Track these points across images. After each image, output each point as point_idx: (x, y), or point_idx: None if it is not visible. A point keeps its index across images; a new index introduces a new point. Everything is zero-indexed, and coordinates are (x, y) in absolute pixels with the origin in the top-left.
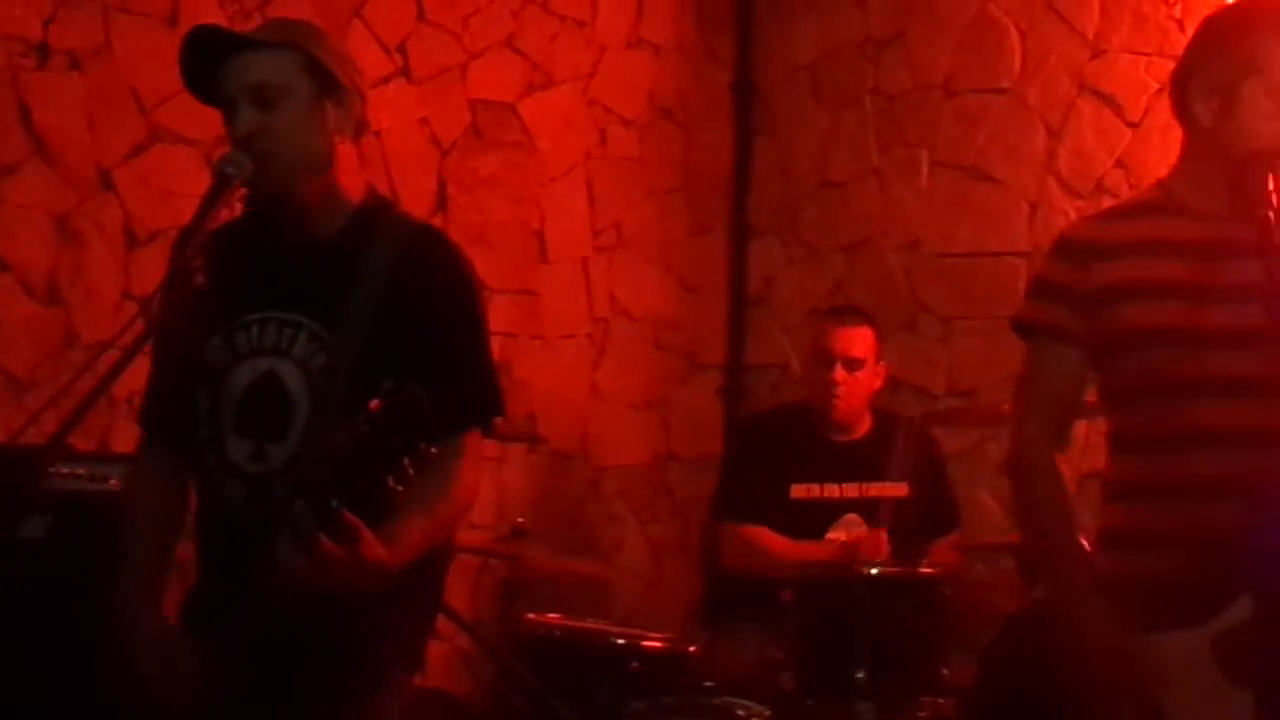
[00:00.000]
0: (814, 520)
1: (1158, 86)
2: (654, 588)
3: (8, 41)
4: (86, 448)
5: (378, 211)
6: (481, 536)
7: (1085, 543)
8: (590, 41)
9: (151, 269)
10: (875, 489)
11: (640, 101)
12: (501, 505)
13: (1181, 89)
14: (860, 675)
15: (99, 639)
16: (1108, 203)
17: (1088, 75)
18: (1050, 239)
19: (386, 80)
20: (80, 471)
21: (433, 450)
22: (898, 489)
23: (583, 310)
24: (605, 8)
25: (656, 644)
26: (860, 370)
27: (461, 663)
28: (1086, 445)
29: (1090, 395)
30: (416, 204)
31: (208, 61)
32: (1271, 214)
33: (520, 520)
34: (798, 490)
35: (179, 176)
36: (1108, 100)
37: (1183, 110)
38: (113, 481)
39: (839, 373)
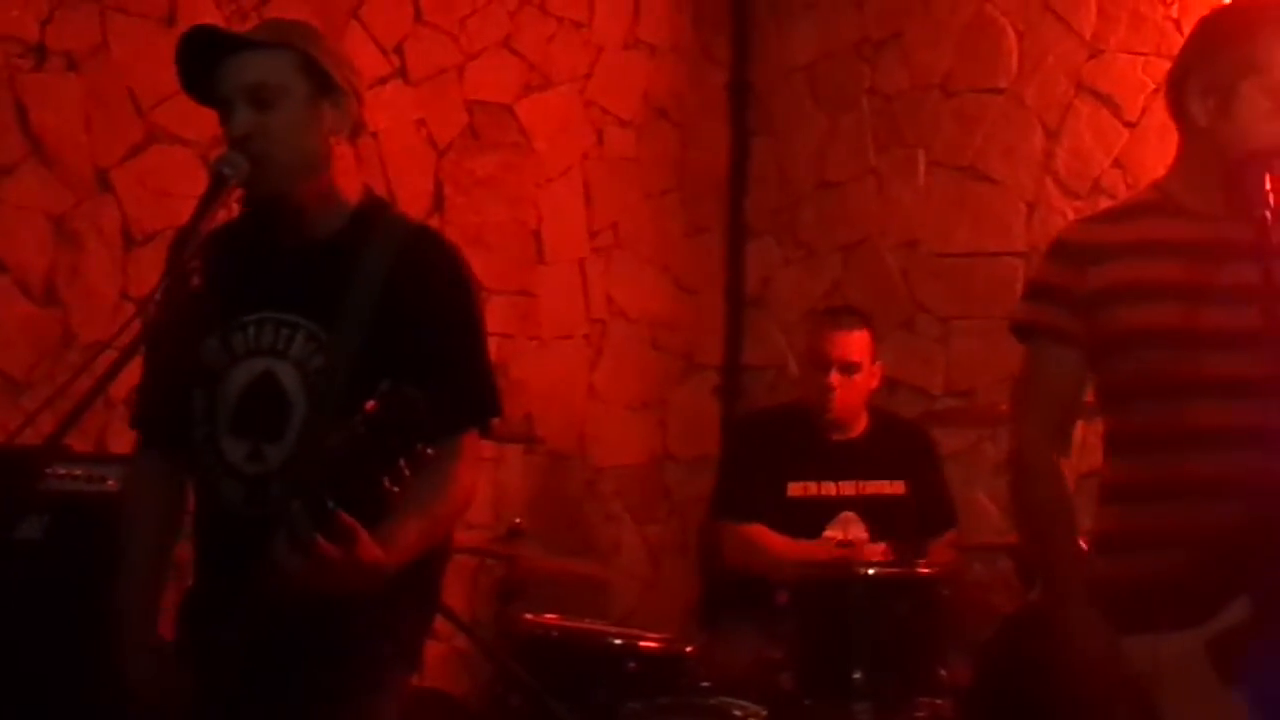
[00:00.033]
0: (811, 518)
1: (1155, 86)
2: (651, 588)
3: (5, 42)
4: (83, 448)
5: (375, 212)
6: (479, 537)
7: (1083, 544)
8: (587, 42)
9: (149, 269)
10: (872, 487)
11: (637, 102)
12: (499, 506)
13: (1178, 89)
14: (858, 675)
15: (96, 640)
16: (1105, 203)
17: (1085, 75)
18: (1048, 239)
19: (383, 81)
20: (77, 472)
21: (429, 451)
22: (894, 487)
23: (580, 311)
24: (602, 9)
25: (654, 644)
26: (856, 374)
27: (459, 663)
28: (1084, 445)
29: (1088, 396)
30: (413, 205)
31: (204, 62)
32: (1269, 214)
33: (517, 520)
34: (795, 489)
35: (176, 177)
36: (1105, 100)
37: (1179, 110)
38: (110, 482)
39: (834, 377)
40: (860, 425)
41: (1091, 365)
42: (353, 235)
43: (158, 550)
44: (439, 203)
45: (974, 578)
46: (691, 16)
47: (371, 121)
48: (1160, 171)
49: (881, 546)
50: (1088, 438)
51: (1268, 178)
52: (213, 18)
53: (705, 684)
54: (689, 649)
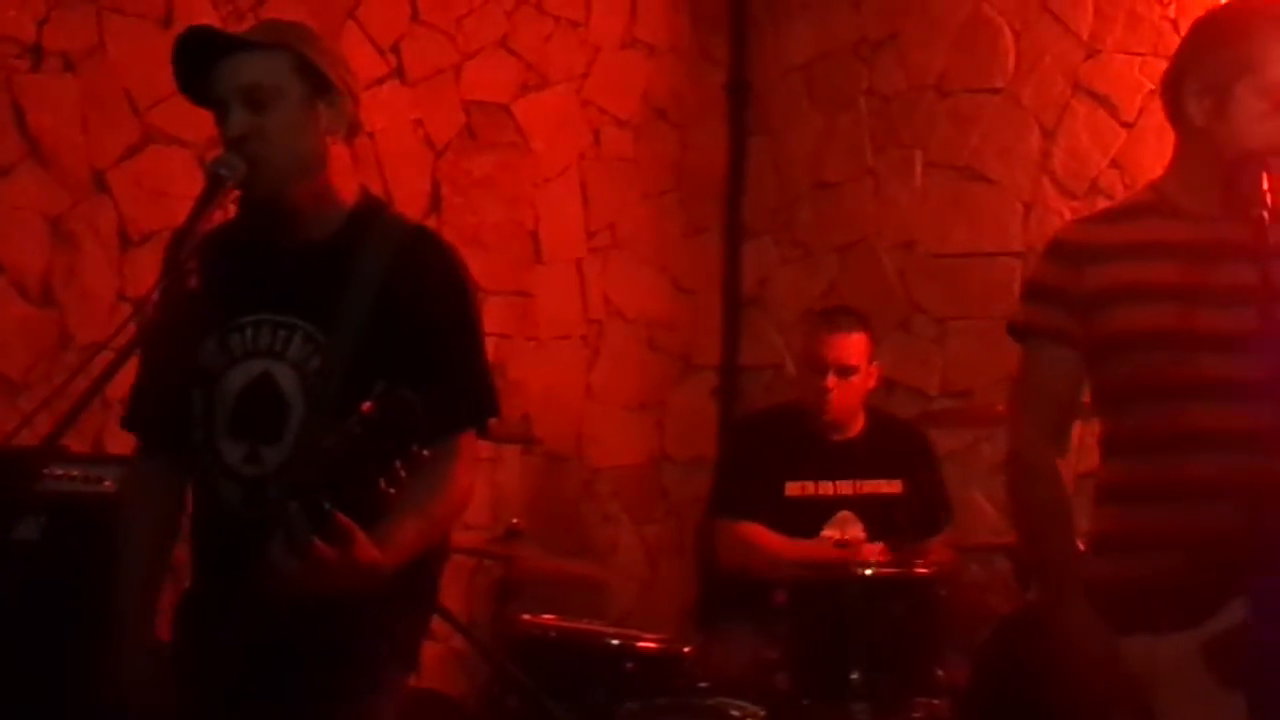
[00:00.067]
0: (808, 518)
1: (1152, 87)
2: (649, 588)
3: (1, 43)
4: (81, 449)
5: (371, 213)
6: (476, 537)
7: (1080, 545)
8: (584, 42)
9: (146, 270)
10: (869, 486)
11: (634, 102)
12: (496, 506)
13: (1174, 89)
14: (855, 676)
15: (93, 641)
16: (1103, 203)
17: (1082, 75)
18: (1045, 239)
19: (380, 81)
20: (74, 473)
21: (425, 453)
22: (892, 486)
23: (577, 311)
24: (599, 8)
25: (651, 645)
26: (853, 376)
27: (456, 663)
28: (1080, 446)
29: (1084, 397)
30: (410, 205)
31: (200, 63)
32: (1266, 214)
33: (515, 521)
34: (792, 488)
35: (173, 178)
36: (1102, 100)
37: (1175, 111)
38: (107, 483)
39: (831, 380)
40: (857, 425)
41: (1088, 366)
42: (349, 236)
43: (155, 551)
44: (436, 203)
45: (971, 578)
46: (689, 16)
47: (368, 122)
48: (1157, 172)
49: (879, 546)
50: (1084, 438)
51: (1265, 178)
52: (209, 18)
53: (703, 684)
54: (686, 649)
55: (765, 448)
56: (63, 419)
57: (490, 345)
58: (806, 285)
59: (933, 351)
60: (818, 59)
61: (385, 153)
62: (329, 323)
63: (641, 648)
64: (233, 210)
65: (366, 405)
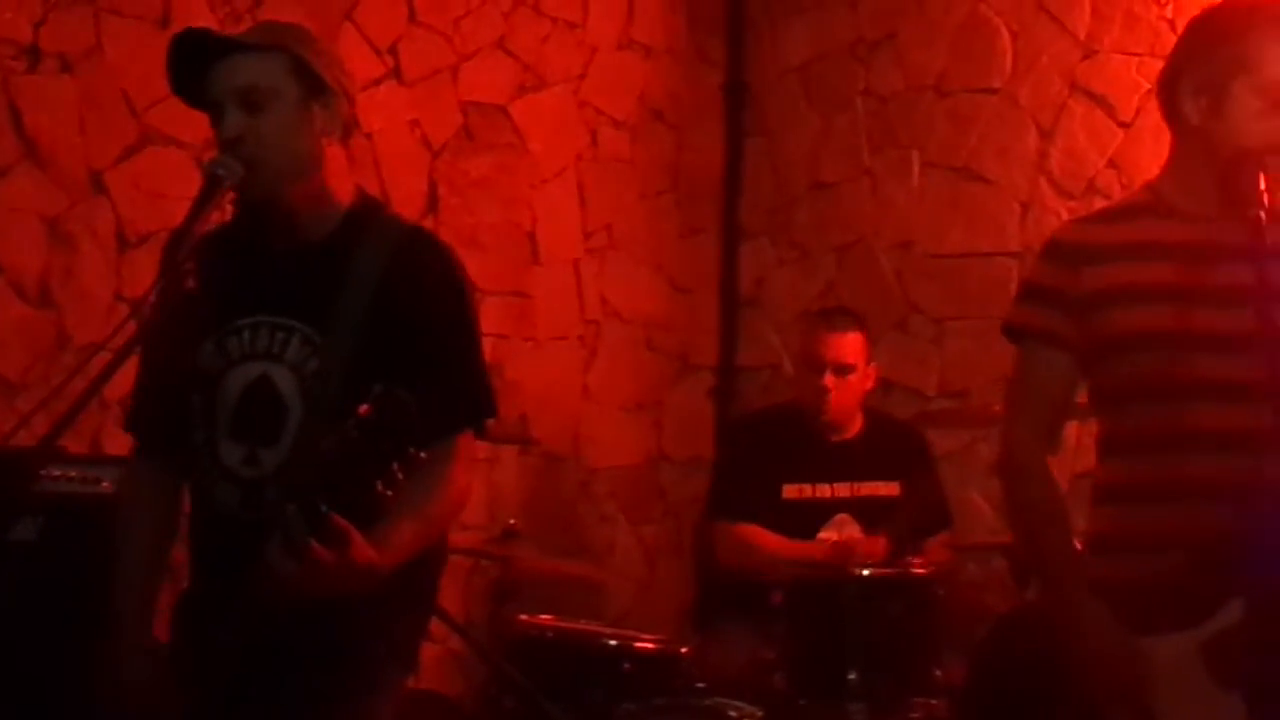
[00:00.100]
0: (806, 520)
1: (1149, 87)
2: (646, 589)
3: None
4: (78, 450)
5: (368, 214)
6: (473, 538)
7: (1077, 545)
8: (581, 43)
9: (143, 271)
10: (867, 489)
11: (631, 103)
12: (493, 507)
13: (1170, 89)
14: (852, 676)
15: (91, 642)
16: (1100, 203)
17: (1079, 76)
18: (1042, 239)
19: (377, 82)
20: (72, 474)
21: (422, 455)
22: (890, 488)
23: (574, 312)
24: (596, 9)
25: (648, 645)
26: (851, 375)
27: (453, 664)
28: (1078, 446)
29: (1081, 397)
30: (407, 206)
31: (195, 65)
32: (1262, 214)
33: (512, 522)
34: (790, 491)
35: (170, 179)
36: (1099, 101)
37: (1171, 110)
38: (104, 484)
39: (829, 379)
40: (855, 427)
41: (1085, 367)
42: (346, 237)
43: (153, 552)
44: (433, 204)
45: (968, 578)
46: (686, 17)
47: (366, 122)
48: (1155, 172)
49: (879, 539)
50: (1081, 439)
51: (1261, 178)
52: (207, 20)
53: (700, 685)
54: (684, 650)
55: (763, 449)
56: (60, 420)
57: (487, 346)
58: (804, 286)
59: (930, 352)
60: (815, 59)
61: (382, 153)
62: (326, 324)
63: (639, 648)
64: (230, 211)
65: (363, 408)
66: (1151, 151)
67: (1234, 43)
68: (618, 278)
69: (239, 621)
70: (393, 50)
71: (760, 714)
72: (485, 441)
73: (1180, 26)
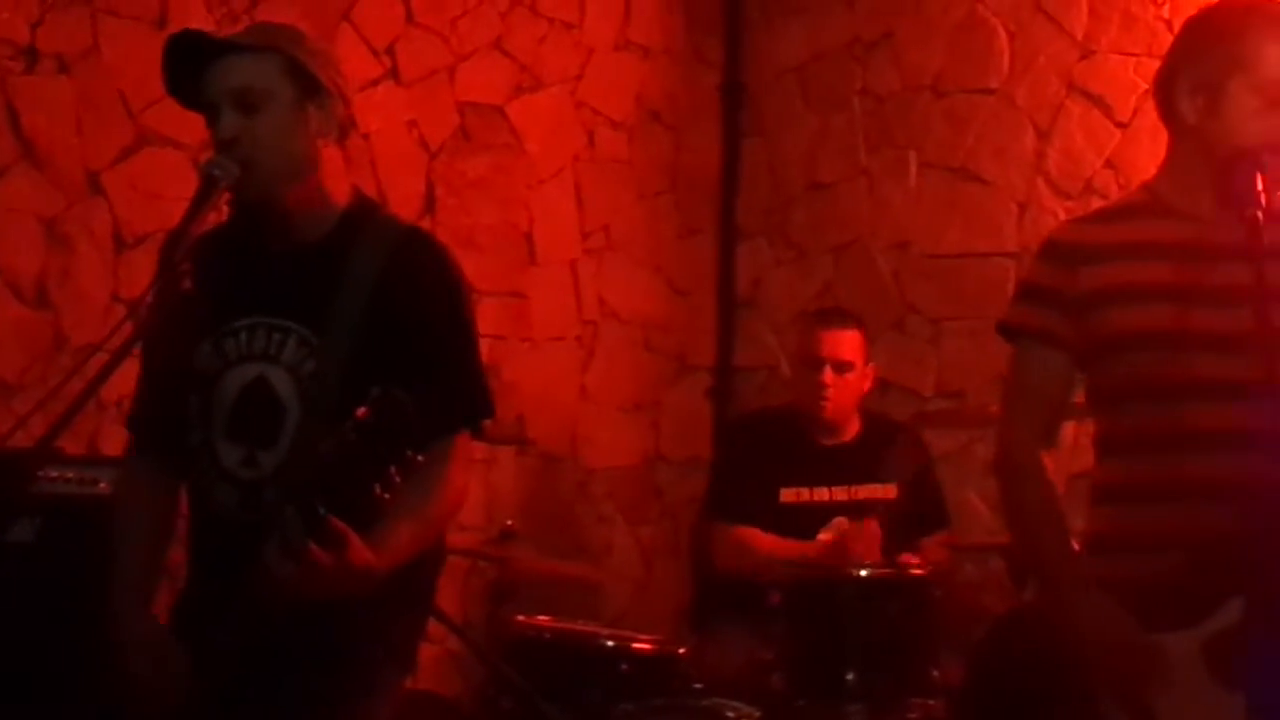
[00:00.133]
0: (803, 524)
1: (1146, 87)
2: (643, 589)
3: None
4: (75, 451)
5: (364, 214)
6: (471, 539)
7: (1075, 545)
8: (578, 44)
9: (140, 272)
10: (864, 492)
11: (629, 103)
12: (490, 507)
13: (1166, 88)
14: (850, 676)
15: (89, 642)
16: (1097, 203)
17: (1076, 76)
18: (1039, 240)
19: (375, 83)
20: (69, 475)
21: (419, 458)
22: (887, 490)
23: (571, 312)
24: (593, 10)
25: (646, 646)
26: (849, 372)
27: (451, 665)
28: (1075, 446)
29: (1078, 397)
30: (405, 206)
31: (190, 66)
32: (1259, 214)
33: (509, 522)
34: (787, 494)
35: (167, 179)
36: (1096, 101)
37: (1168, 110)
38: (102, 485)
39: (828, 375)
40: (852, 429)
41: (1083, 367)
42: (342, 237)
43: (150, 552)
44: (430, 204)
45: (965, 578)
46: (683, 18)
47: (363, 123)
48: (1152, 172)
49: (872, 524)
50: (1079, 439)
51: (1258, 177)
52: (204, 20)
53: (698, 685)
54: (681, 650)
55: (760, 451)
56: (57, 421)
57: (485, 346)
58: (801, 286)
59: (927, 352)
60: (812, 60)
61: (380, 154)
62: (323, 325)
63: (636, 649)
64: (227, 212)
65: (361, 411)
66: (1149, 152)
67: (1230, 42)
68: (615, 278)
69: (237, 622)
70: (390, 51)
71: (758, 714)
72: (482, 442)
73: (1177, 27)
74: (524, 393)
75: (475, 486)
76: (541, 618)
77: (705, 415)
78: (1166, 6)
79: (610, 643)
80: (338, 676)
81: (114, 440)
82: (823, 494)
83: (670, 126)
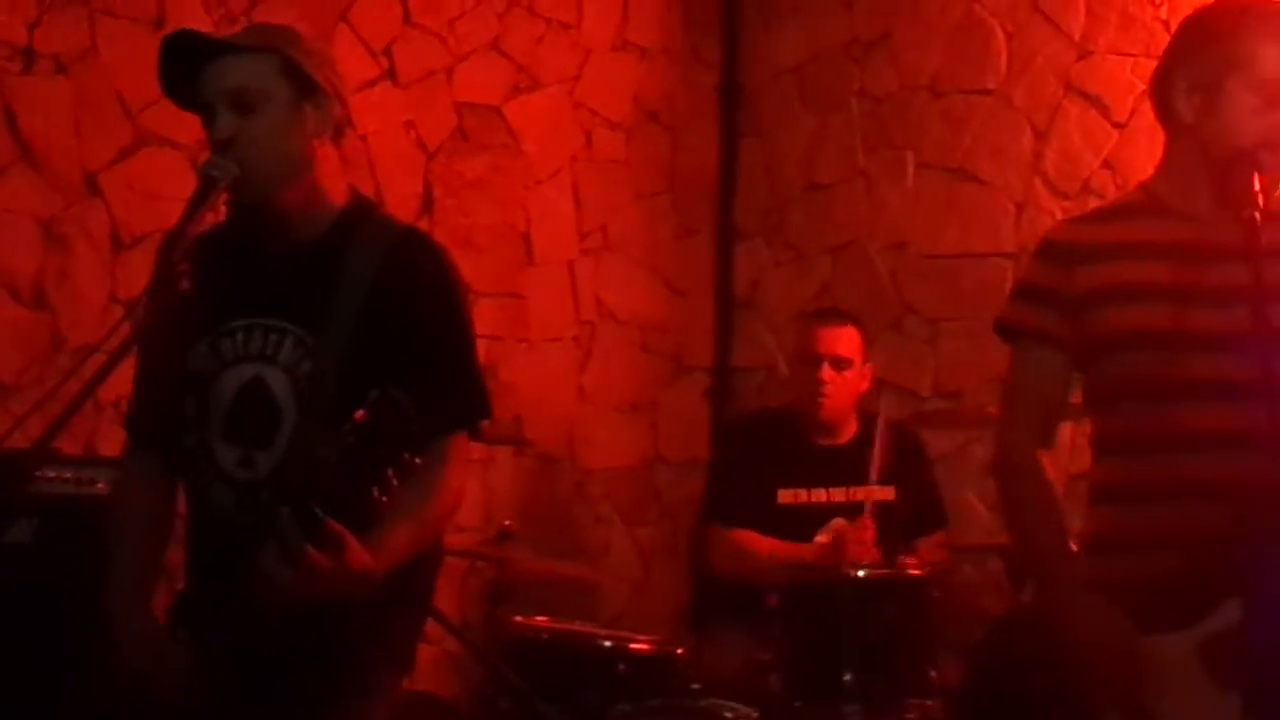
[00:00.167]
0: (801, 525)
1: (1144, 87)
2: (641, 590)
3: None
4: (73, 451)
5: (361, 214)
6: (468, 539)
7: (1073, 546)
8: (576, 44)
9: (138, 272)
10: (862, 493)
11: (626, 104)
12: (488, 508)
13: (1164, 88)
14: (848, 677)
15: (86, 642)
16: (1094, 203)
17: (1074, 76)
18: (1036, 240)
19: (372, 83)
20: (67, 475)
21: (417, 461)
22: (884, 492)
23: (569, 313)
24: (591, 10)
25: (644, 646)
26: (848, 370)
27: (449, 665)
28: (1073, 447)
29: (1076, 397)
30: (402, 207)
31: (187, 67)
32: (1257, 214)
33: (507, 523)
34: (784, 495)
35: (165, 180)
36: (1094, 101)
37: (1165, 110)
38: (99, 485)
39: (826, 372)
40: (850, 430)
41: (1080, 367)
42: (338, 238)
43: (147, 553)
44: (428, 205)
45: (963, 579)
46: (681, 18)
47: (360, 124)
48: (1150, 172)
49: (868, 523)
50: (1076, 440)
51: (1256, 177)
52: (202, 21)
53: (695, 686)
54: (679, 651)
55: (758, 452)
56: (55, 421)
57: (482, 347)
58: (798, 287)
59: (925, 352)
60: (809, 60)
61: (377, 155)
62: (319, 326)
63: (634, 649)
64: (224, 213)
65: (359, 413)
66: (1146, 152)
67: (1227, 41)
68: (612, 279)
69: (234, 624)
70: (387, 51)
71: (755, 715)
72: (480, 443)
73: (1175, 27)
74: (521, 393)
75: (473, 487)
76: (539, 618)
77: (703, 416)
78: (1164, 7)
79: (608, 643)
80: (335, 678)
81: (111, 441)
82: (820, 495)
83: (668, 127)
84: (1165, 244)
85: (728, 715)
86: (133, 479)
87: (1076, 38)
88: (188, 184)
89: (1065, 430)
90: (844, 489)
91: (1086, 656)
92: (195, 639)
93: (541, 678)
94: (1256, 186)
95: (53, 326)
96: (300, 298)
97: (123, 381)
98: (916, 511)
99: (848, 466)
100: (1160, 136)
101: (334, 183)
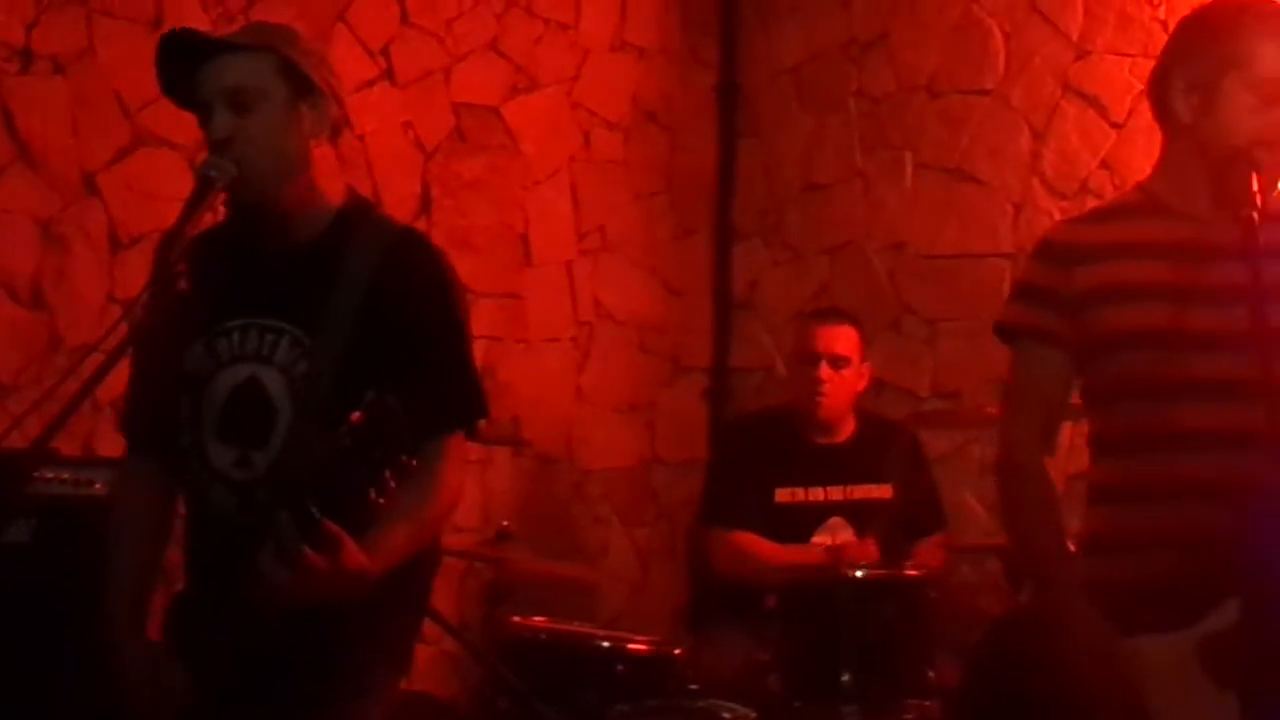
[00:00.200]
0: (799, 524)
1: (1142, 88)
2: (639, 591)
3: None
4: (71, 452)
5: (358, 214)
6: (467, 540)
7: (1071, 546)
8: (574, 44)
9: (135, 273)
10: (859, 491)
11: (624, 104)
12: (486, 509)
13: (1161, 87)
14: (846, 678)
15: (84, 644)
16: (1092, 204)
17: (1072, 76)
18: (1035, 240)
19: (370, 84)
20: (65, 476)
21: (413, 462)
22: (882, 491)
23: (567, 313)
24: (589, 11)
25: (642, 647)
26: (846, 368)
27: (447, 666)
28: (1071, 447)
29: (1074, 397)
30: (400, 208)
31: (184, 65)
32: (1255, 214)
33: (505, 524)
34: (782, 494)
35: (163, 180)
36: (1092, 101)
37: (1163, 109)
38: (97, 486)
39: (824, 370)
40: (848, 429)
41: (1078, 366)
42: (335, 238)
43: (147, 554)
44: (426, 205)
45: (961, 579)
46: (679, 18)
47: (358, 124)
48: (1147, 173)
49: (870, 544)
50: (1075, 440)
51: (1253, 177)
52: (199, 21)
53: (694, 686)
54: (677, 651)
55: (755, 452)
56: (53, 422)
57: (480, 348)
58: (797, 287)
59: (923, 353)
60: (807, 60)
61: (375, 155)
62: (315, 326)
63: (632, 650)
64: (222, 213)
65: (355, 415)
66: (1144, 152)
67: (1225, 40)
68: (611, 279)
69: (232, 624)
70: (385, 52)
71: (754, 716)
72: (478, 444)
73: (1173, 27)
74: (519, 394)
75: (471, 488)
76: (537, 619)
77: (701, 416)
78: (1162, 7)
79: (606, 644)
80: (332, 678)
81: (109, 441)
82: (818, 494)
83: (666, 127)
84: (1164, 244)
85: (726, 716)
86: (131, 481)
87: (1074, 38)
88: (185, 184)
89: (1063, 430)
90: (841, 487)
91: (1077, 661)
92: (194, 640)
93: (540, 678)
94: (1254, 186)
95: (50, 326)
96: (297, 298)
97: (121, 382)
98: (915, 513)
99: (845, 465)
100: (1158, 136)
101: (331, 183)
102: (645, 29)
